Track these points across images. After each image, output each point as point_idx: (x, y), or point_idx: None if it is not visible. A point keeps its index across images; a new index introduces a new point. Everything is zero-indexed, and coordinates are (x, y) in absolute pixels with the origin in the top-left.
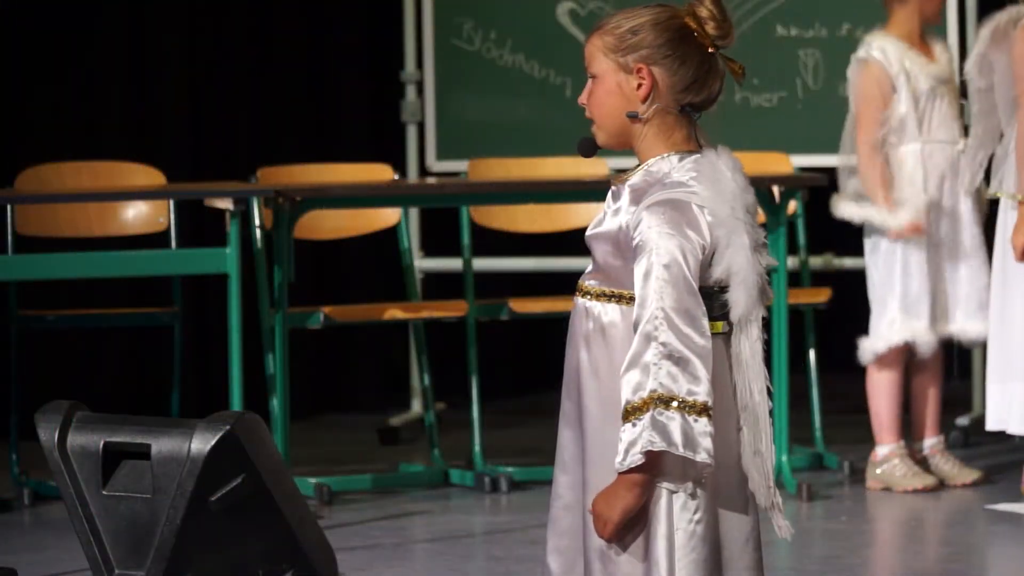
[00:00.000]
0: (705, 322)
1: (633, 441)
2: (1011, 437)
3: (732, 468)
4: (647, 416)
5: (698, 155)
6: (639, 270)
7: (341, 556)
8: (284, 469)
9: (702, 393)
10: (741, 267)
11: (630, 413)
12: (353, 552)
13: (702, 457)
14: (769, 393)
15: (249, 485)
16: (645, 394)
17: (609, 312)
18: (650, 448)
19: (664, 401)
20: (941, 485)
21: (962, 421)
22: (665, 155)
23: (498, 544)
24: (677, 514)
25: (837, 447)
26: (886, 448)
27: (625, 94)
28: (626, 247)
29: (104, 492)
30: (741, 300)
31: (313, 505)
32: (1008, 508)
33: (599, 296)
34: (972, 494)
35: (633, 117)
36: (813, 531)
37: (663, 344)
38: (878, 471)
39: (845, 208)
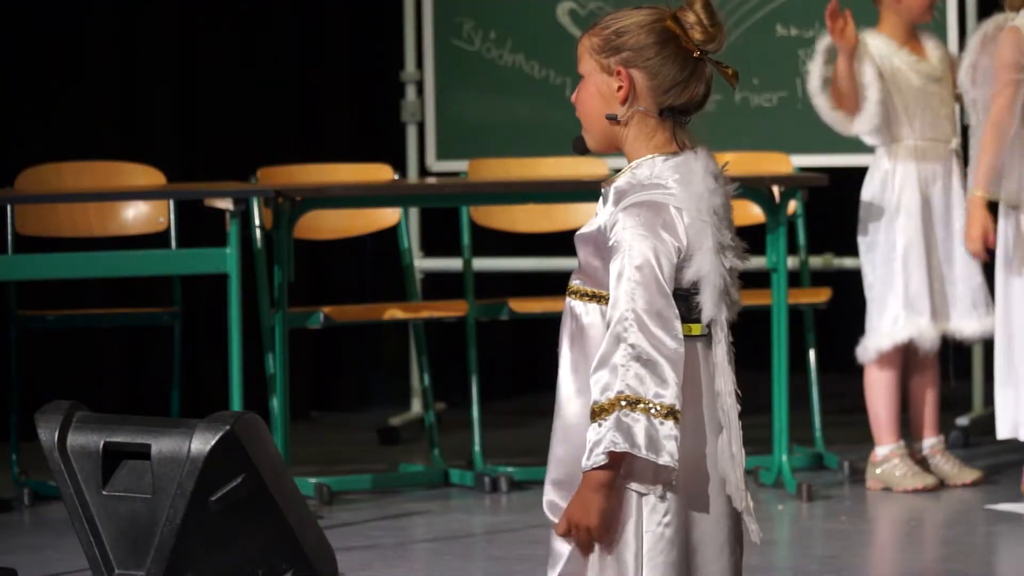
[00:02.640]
0: (677, 325)
1: (598, 441)
2: (1011, 437)
3: (709, 472)
4: (612, 417)
5: (679, 157)
6: (613, 271)
7: (341, 556)
8: (284, 469)
9: (669, 396)
10: (707, 271)
11: (597, 413)
12: (353, 552)
13: (665, 460)
14: (737, 396)
15: (249, 485)
16: (612, 395)
17: (590, 312)
18: (613, 449)
19: (630, 403)
20: (941, 485)
21: (962, 421)
22: (649, 157)
23: (498, 544)
24: (646, 517)
25: (837, 447)
26: (886, 448)
27: (605, 96)
28: (604, 248)
29: (104, 492)
30: (707, 304)
31: (313, 505)
32: (1008, 508)
33: (582, 296)
34: (972, 494)
35: (612, 119)
36: (813, 531)
37: (632, 346)
38: (878, 471)
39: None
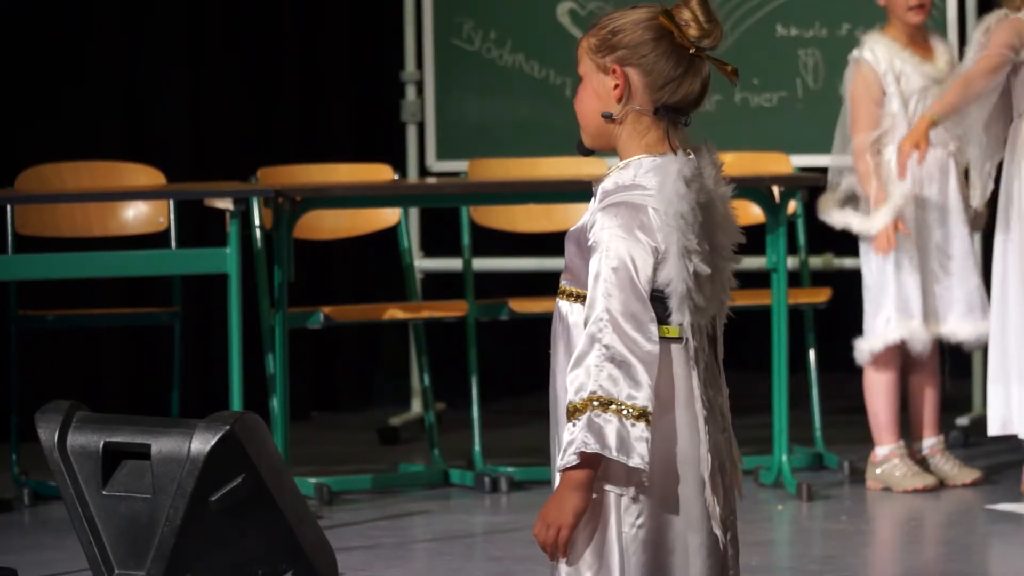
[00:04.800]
0: (653, 327)
1: (571, 441)
2: (1011, 437)
3: (684, 474)
4: (584, 417)
5: (661, 159)
6: (591, 271)
7: (341, 556)
8: (284, 469)
9: (641, 398)
10: (672, 276)
11: (571, 413)
12: (353, 552)
13: (635, 462)
14: (730, 397)
15: (249, 485)
16: (585, 395)
17: (574, 312)
18: (584, 449)
19: (603, 404)
20: (941, 485)
21: (962, 421)
22: (637, 158)
23: (498, 544)
24: (622, 517)
25: (837, 447)
26: (885, 448)
27: (601, 95)
28: (585, 247)
29: (104, 492)
30: (672, 307)
31: (313, 505)
32: (1008, 508)
33: (568, 296)
34: (972, 494)
35: (607, 118)
36: (813, 531)
37: (606, 347)
38: (877, 471)
39: (829, 214)
